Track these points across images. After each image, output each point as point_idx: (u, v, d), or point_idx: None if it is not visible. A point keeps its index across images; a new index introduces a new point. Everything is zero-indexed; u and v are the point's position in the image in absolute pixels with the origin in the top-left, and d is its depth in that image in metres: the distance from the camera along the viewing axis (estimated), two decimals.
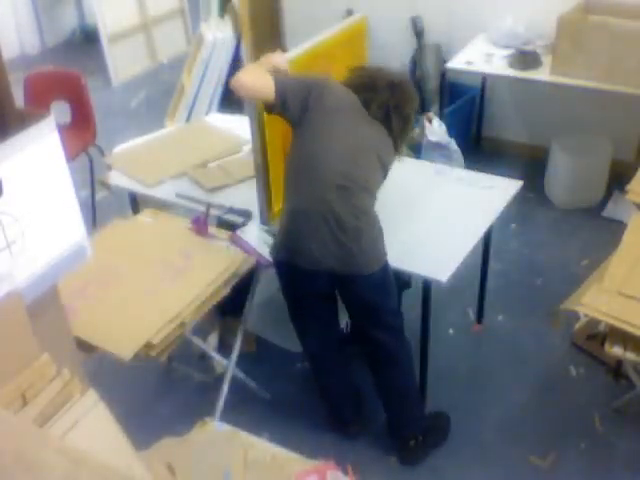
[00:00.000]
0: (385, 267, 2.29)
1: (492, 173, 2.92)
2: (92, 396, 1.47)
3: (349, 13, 4.41)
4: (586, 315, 2.50)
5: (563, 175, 3.91)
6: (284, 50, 2.67)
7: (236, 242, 2.47)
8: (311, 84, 2.25)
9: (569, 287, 2.47)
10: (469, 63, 3.89)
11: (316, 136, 2.23)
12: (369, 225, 2.26)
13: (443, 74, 4.03)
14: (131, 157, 3.07)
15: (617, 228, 2.73)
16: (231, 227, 2.58)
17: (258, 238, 2.46)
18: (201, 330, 2.75)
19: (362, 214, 2.23)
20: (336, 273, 2.25)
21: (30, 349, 1.41)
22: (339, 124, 2.24)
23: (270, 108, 2.24)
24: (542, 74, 3.72)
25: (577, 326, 3.00)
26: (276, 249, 2.35)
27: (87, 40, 6.72)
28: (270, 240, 2.45)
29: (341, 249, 2.20)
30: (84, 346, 2.05)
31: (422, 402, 2.65)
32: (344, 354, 2.60)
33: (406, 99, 2.34)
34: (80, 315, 2.15)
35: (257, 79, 2.20)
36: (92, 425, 1.43)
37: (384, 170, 2.33)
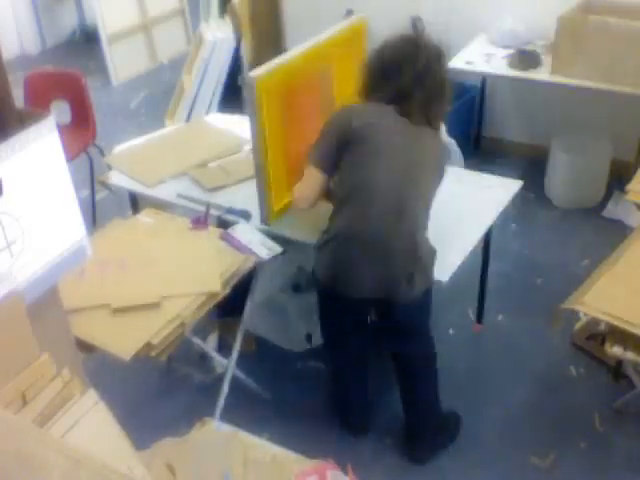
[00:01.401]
0: (431, 289, 2.28)
1: (492, 173, 2.92)
2: (92, 396, 1.47)
3: (349, 13, 4.41)
4: (586, 315, 2.51)
5: (563, 175, 3.91)
6: (284, 50, 2.65)
7: (226, 239, 2.46)
8: (334, 133, 2.17)
9: (569, 287, 2.47)
10: (469, 63, 3.89)
11: (364, 162, 2.14)
12: (423, 249, 2.20)
13: None
14: (131, 157, 3.07)
15: (617, 228, 2.73)
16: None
17: (252, 237, 2.46)
18: (201, 330, 2.75)
19: (416, 238, 2.17)
20: (384, 300, 2.22)
21: (30, 349, 1.41)
22: (386, 146, 2.13)
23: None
24: (542, 74, 3.72)
25: (577, 326, 3.00)
26: (322, 277, 2.27)
27: (87, 40, 6.72)
28: (264, 238, 2.46)
29: (394, 276, 2.16)
30: (84, 346, 2.05)
31: (440, 407, 2.61)
32: (367, 368, 2.59)
33: (438, 86, 2.13)
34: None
35: (302, 186, 2.24)
36: (92, 425, 1.43)
37: (440, 173, 2.22)
